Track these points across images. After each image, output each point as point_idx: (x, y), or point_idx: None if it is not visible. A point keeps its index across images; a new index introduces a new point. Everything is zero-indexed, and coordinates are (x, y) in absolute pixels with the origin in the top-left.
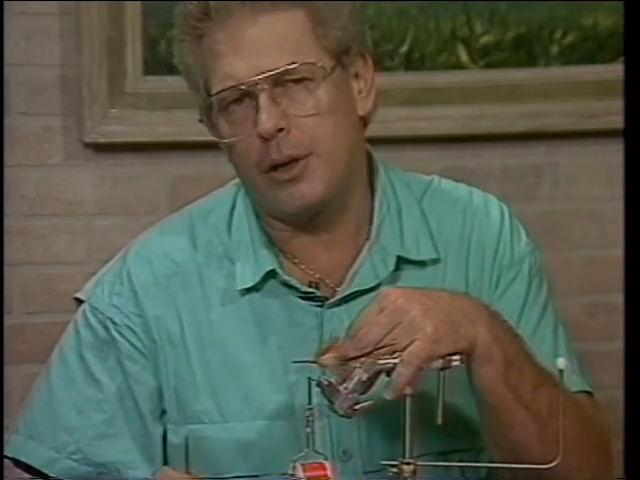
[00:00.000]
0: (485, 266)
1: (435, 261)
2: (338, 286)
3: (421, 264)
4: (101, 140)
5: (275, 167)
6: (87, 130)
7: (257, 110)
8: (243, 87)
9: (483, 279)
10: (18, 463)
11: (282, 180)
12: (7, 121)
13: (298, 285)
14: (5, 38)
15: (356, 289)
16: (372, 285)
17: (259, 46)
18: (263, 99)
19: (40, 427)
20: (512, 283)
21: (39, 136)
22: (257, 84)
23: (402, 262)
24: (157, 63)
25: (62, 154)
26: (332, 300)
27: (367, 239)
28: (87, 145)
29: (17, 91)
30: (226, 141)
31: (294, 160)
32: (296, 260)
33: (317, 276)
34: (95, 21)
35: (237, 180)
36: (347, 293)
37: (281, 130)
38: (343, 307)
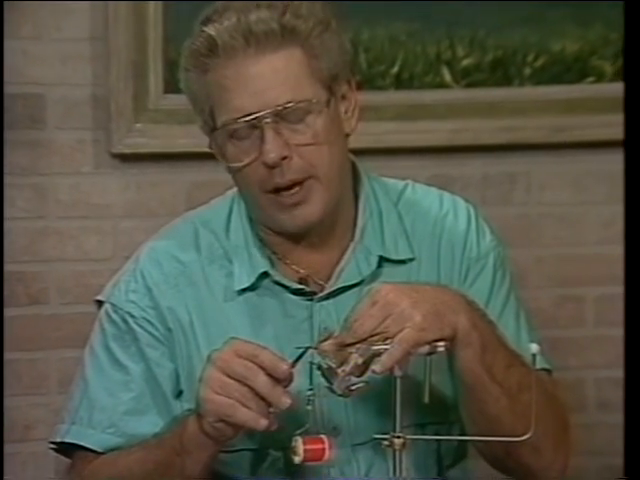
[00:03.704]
0: (455, 261)
1: (411, 259)
2: (326, 282)
3: (399, 262)
4: (127, 151)
5: (278, 190)
6: (114, 142)
7: (262, 140)
8: (250, 120)
9: (453, 273)
10: (62, 450)
11: (285, 204)
12: (44, 134)
13: (289, 283)
14: (43, 61)
15: (342, 285)
16: (356, 281)
17: (263, 82)
18: (268, 131)
19: (80, 412)
20: (479, 275)
21: (72, 148)
22: (265, 118)
23: (383, 261)
24: (176, 83)
25: (92, 163)
26: (321, 295)
27: (351, 240)
28: (114, 155)
29: (54, 108)
30: (233, 165)
31: (296, 184)
32: (287, 261)
33: (306, 274)
34: (122, 46)
35: (233, 190)
36: (334, 288)
37: (284, 158)
38: (331, 301)
